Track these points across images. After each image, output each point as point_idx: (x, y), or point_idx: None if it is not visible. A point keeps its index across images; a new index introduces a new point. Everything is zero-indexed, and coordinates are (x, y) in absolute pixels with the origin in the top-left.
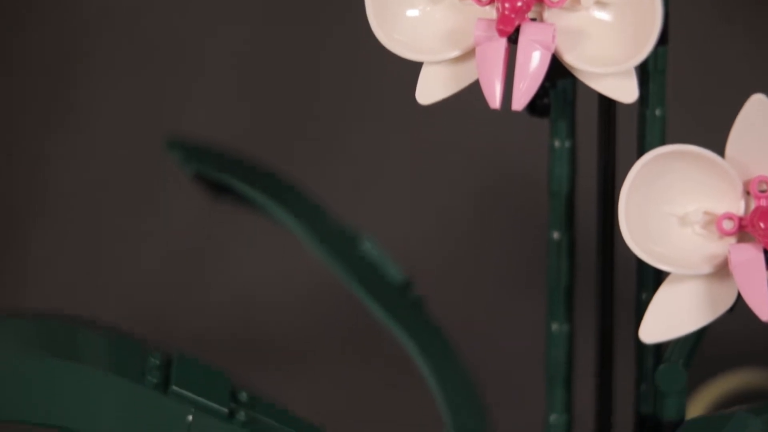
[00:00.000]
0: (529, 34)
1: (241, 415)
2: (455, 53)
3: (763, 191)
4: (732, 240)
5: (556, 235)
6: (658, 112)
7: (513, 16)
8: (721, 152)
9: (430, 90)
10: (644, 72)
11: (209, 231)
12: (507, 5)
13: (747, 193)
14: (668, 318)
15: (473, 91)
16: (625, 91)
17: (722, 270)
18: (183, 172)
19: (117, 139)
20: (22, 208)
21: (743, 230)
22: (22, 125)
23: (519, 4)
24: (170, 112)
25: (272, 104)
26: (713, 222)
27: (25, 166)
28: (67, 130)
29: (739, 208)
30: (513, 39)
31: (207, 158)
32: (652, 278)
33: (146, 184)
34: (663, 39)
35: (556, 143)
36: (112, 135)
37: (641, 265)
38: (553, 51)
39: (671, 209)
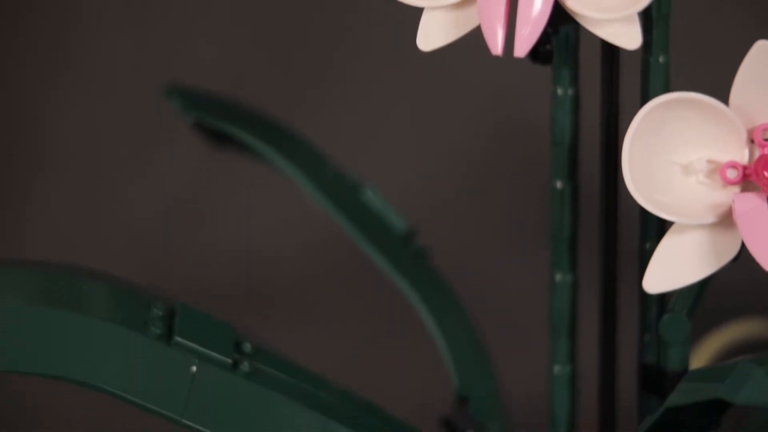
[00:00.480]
0: None
1: (245, 366)
2: None
3: (767, 139)
4: (736, 189)
5: (558, 184)
6: (661, 59)
7: None
8: (725, 100)
9: (431, 36)
10: (648, 18)
11: (210, 181)
12: None
13: (751, 141)
14: (672, 268)
15: (475, 38)
16: (629, 37)
17: (726, 219)
18: (183, 121)
19: (116, 89)
20: (22, 160)
21: (747, 179)
22: (20, 77)
23: None
24: (168, 61)
25: (271, 51)
26: (717, 171)
27: (24, 118)
28: (65, 81)
29: (743, 156)
30: None
31: (206, 106)
32: (655, 228)
33: (146, 134)
34: None
35: (559, 91)
36: (110, 84)
37: (645, 214)
38: None
39: (675, 158)
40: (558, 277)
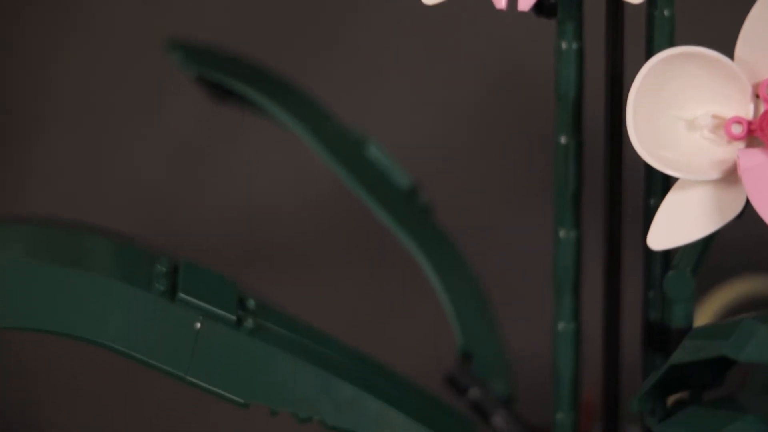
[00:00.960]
0: None
1: (249, 323)
2: None
3: None
4: (741, 145)
5: (563, 139)
6: (666, 13)
7: None
8: (730, 54)
9: None
10: None
11: (213, 136)
12: None
13: (756, 96)
14: (676, 224)
15: None
16: None
17: (731, 175)
18: (185, 75)
19: (118, 43)
20: (25, 115)
21: (752, 135)
22: (24, 32)
23: None
24: (172, 15)
25: (275, 4)
26: (722, 126)
27: (27, 73)
28: (68, 35)
29: (748, 111)
30: None
31: (209, 61)
32: (660, 184)
33: (149, 89)
34: None
35: (563, 45)
36: (113, 38)
37: (649, 170)
38: None
39: (679, 113)
40: (562, 233)
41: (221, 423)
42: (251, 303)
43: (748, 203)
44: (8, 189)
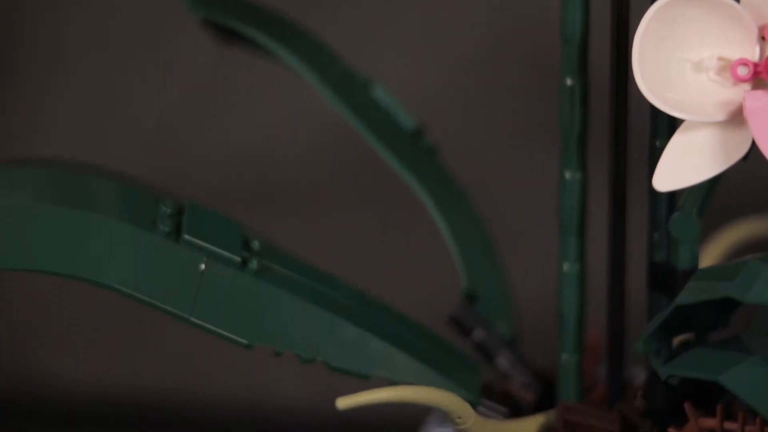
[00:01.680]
0: None
1: (254, 264)
2: None
3: None
4: (746, 87)
5: (569, 81)
6: None
7: None
8: None
9: None
10: None
11: (219, 77)
12: None
13: (762, 38)
14: (682, 166)
15: None
16: None
17: (736, 117)
18: (192, 18)
19: None
20: (31, 55)
21: (758, 76)
22: None
23: None
24: None
25: None
26: (728, 68)
27: (34, 13)
28: None
29: (753, 54)
30: None
31: (216, 3)
32: (665, 126)
33: (155, 31)
34: None
35: None
36: None
37: (655, 112)
38: None
39: (685, 55)
40: (567, 175)
41: (223, 365)
42: (256, 244)
43: (753, 145)
44: (14, 131)
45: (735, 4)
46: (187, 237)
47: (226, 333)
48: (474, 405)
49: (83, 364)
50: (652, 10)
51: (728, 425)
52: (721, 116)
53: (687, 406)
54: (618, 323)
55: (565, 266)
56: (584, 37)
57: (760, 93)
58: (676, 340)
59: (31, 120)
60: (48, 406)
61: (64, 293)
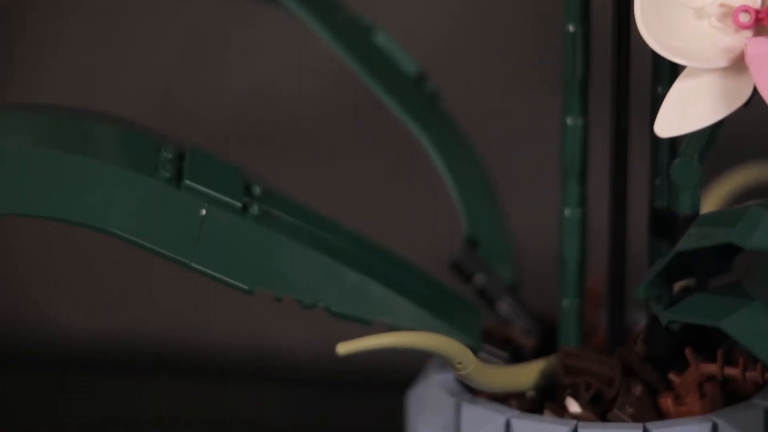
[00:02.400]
0: None
1: (255, 209)
2: None
3: None
4: (748, 33)
5: (571, 27)
6: None
7: None
8: None
9: None
10: None
11: (222, 24)
12: None
13: None
14: (683, 112)
15: None
16: None
17: (738, 63)
18: None
19: None
20: (33, 3)
21: (759, 23)
22: None
23: None
24: None
25: None
26: (729, 15)
27: None
28: None
29: (755, 0)
30: None
31: None
32: (667, 72)
33: None
34: None
35: None
36: None
37: (656, 58)
38: None
39: (687, 2)
40: (569, 120)
41: (224, 312)
42: (257, 190)
43: (754, 91)
44: (19, 80)
45: None
46: (188, 182)
47: (226, 278)
48: (475, 350)
49: (83, 311)
50: None
51: (729, 371)
52: (722, 63)
53: (688, 352)
54: (619, 269)
55: (567, 212)
56: None
57: (761, 40)
58: (677, 286)
59: (34, 66)
60: (46, 353)
61: (62, 239)
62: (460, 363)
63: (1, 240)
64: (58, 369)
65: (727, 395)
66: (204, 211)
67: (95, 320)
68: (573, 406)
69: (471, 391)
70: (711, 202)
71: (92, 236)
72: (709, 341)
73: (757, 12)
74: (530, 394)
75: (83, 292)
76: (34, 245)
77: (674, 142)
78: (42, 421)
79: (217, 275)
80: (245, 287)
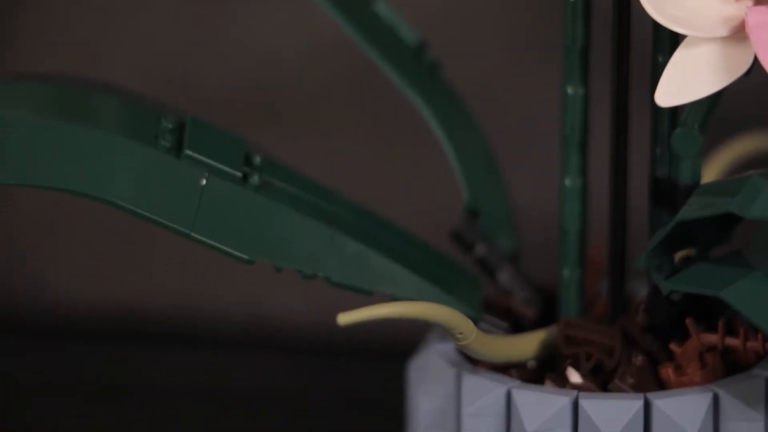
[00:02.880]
0: None
1: (255, 179)
2: None
3: None
4: (748, 2)
5: None
6: None
7: None
8: None
9: None
10: None
11: None
12: None
13: None
14: (684, 81)
15: None
16: None
17: (739, 33)
18: None
19: None
20: None
21: None
22: None
23: None
24: None
25: None
26: None
27: None
28: None
29: None
30: None
31: None
32: (668, 41)
33: None
34: None
35: None
36: None
37: (657, 27)
38: None
39: None
40: (570, 90)
41: (224, 282)
42: (257, 159)
43: (755, 60)
44: (17, 46)
45: None
46: (188, 152)
47: (227, 248)
48: (475, 320)
49: (82, 280)
50: None
51: (730, 341)
52: (723, 32)
53: (688, 322)
54: (619, 238)
55: (567, 181)
56: None
57: (762, 8)
58: (678, 256)
59: (38, 35)
60: (45, 323)
61: (61, 208)
62: (460, 333)
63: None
64: (57, 338)
65: (728, 365)
66: (204, 181)
67: (95, 290)
68: (574, 377)
69: (471, 361)
70: (711, 171)
71: (91, 205)
72: (710, 311)
73: None
74: (531, 364)
75: (82, 261)
76: (32, 214)
77: (675, 111)
78: (39, 391)
79: (218, 245)
80: (245, 257)
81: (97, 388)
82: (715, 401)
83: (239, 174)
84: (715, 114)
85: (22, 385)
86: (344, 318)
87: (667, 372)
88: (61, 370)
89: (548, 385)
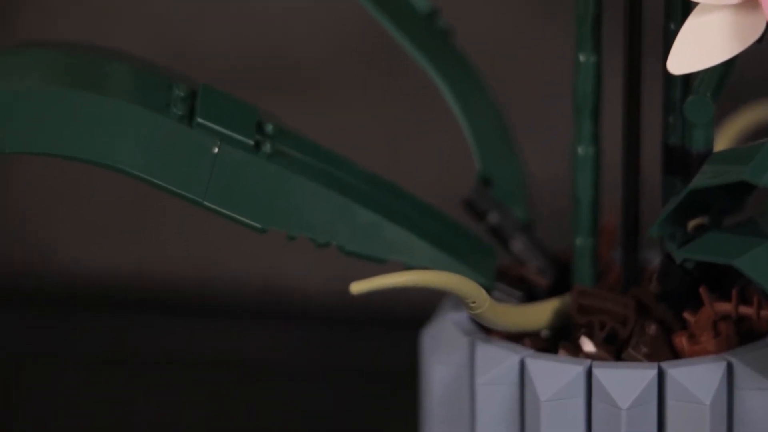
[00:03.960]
0: None
1: (267, 147)
2: None
3: None
4: None
5: None
6: None
7: None
8: None
9: None
10: None
11: None
12: None
13: None
14: (696, 49)
15: None
16: None
17: (751, 0)
18: None
19: None
20: None
21: None
22: None
23: None
24: None
25: None
26: None
27: None
28: None
29: None
30: None
31: None
32: (680, 8)
33: None
34: None
35: None
36: None
37: None
38: None
39: None
40: (582, 57)
41: (237, 250)
42: (269, 128)
43: None
44: (28, 14)
45: None
46: (200, 120)
47: (239, 217)
48: (488, 289)
49: (92, 248)
50: None
51: (743, 309)
52: None
53: (702, 290)
54: (633, 207)
55: (580, 149)
56: None
57: None
58: (691, 224)
59: (44, 6)
60: (55, 291)
61: (71, 175)
62: (474, 302)
63: (5, 176)
64: (67, 307)
65: (742, 334)
66: (216, 149)
67: (106, 259)
68: (587, 346)
69: (485, 330)
70: (724, 139)
71: (102, 173)
72: (724, 279)
73: None
74: (544, 333)
75: (92, 229)
76: (42, 182)
77: (687, 79)
78: (46, 360)
79: (230, 213)
80: (258, 226)
81: (108, 357)
82: (729, 370)
83: (251, 142)
84: (728, 81)
85: (33, 354)
86: (357, 287)
87: (681, 341)
88: (71, 339)
89: (562, 354)
